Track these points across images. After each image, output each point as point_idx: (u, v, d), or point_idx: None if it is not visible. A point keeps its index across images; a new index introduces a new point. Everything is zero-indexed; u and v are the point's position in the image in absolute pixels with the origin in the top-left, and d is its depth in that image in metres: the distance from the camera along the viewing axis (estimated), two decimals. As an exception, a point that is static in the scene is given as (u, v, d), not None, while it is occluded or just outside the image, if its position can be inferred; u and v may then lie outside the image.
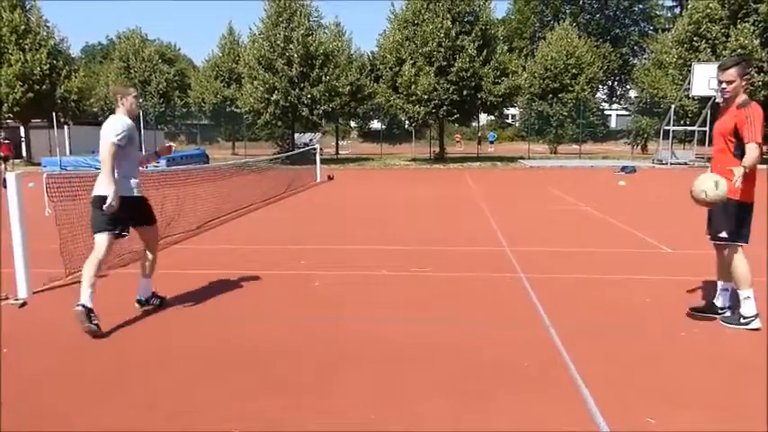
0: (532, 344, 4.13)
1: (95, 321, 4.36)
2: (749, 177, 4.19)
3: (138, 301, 5.06)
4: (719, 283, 4.62)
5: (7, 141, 22.93)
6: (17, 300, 5.22)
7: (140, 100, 5.26)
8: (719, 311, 4.56)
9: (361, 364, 3.81)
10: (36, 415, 3.15)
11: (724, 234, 4.34)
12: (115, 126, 4.63)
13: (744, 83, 4.29)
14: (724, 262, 4.47)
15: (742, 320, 4.32)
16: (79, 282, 4.56)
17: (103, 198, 4.54)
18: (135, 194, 4.81)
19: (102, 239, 4.61)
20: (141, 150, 5.30)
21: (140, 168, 5.12)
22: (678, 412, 3.10)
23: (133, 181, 4.80)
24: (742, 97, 4.29)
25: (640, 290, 5.48)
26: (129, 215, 4.76)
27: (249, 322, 4.70)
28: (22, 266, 5.35)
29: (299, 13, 28.77)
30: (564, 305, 5.05)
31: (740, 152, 4.22)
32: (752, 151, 4.11)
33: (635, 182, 18.15)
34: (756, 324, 4.28)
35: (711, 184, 4.17)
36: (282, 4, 28.77)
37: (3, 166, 21.44)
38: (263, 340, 4.28)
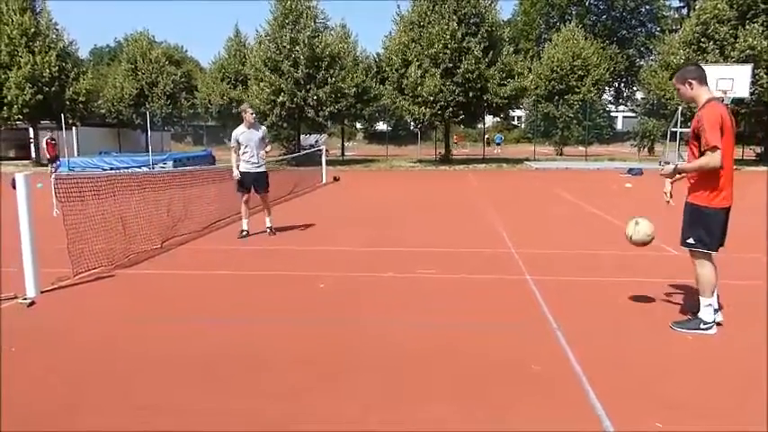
0: (539, 346, 4.12)
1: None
2: (712, 181, 4.15)
3: (269, 229, 8.85)
4: None
5: (53, 141, 22.23)
6: (25, 299, 5.25)
7: (254, 115, 8.66)
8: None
9: (367, 365, 3.82)
10: (41, 414, 3.17)
11: (691, 240, 4.32)
12: (233, 134, 8.61)
13: (690, 87, 4.28)
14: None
15: (702, 326, 4.29)
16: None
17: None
18: (252, 170, 8.51)
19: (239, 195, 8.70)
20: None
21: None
22: (686, 416, 3.09)
23: (251, 163, 8.51)
24: (702, 99, 4.27)
25: (647, 292, 5.45)
26: (251, 182, 8.57)
27: (254, 324, 4.71)
28: (30, 266, 5.38)
29: (305, 14, 28.80)
30: (570, 307, 5.04)
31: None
32: (705, 157, 4.08)
33: (641, 184, 18.07)
34: (713, 331, 4.28)
35: (631, 228, 4.77)
36: (289, 5, 28.82)
37: (50, 167, 20.84)
38: (267, 342, 4.28)
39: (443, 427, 3.00)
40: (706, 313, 4.29)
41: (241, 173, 8.51)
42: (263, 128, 8.84)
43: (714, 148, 4.03)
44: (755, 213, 10.27)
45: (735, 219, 4.32)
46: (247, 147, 8.52)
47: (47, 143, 21.50)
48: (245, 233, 8.68)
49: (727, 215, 4.28)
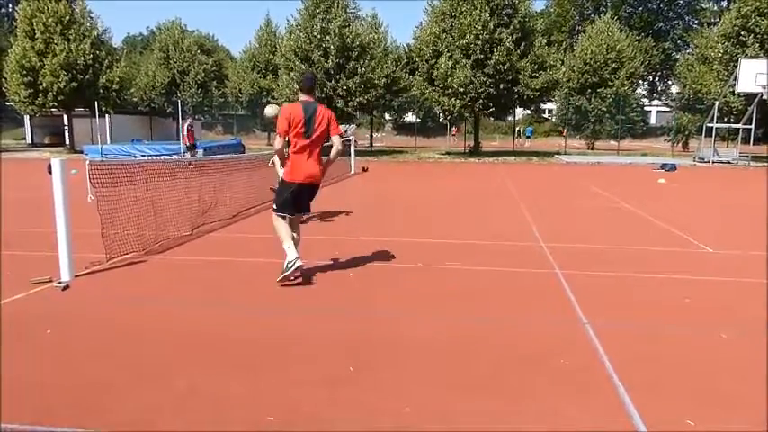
0: (568, 341, 4.06)
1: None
2: (288, 162, 5.55)
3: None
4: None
5: (192, 129, 21.50)
6: (60, 282, 5.37)
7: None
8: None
9: (395, 357, 3.81)
10: (74, 393, 3.24)
11: (275, 206, 5.58)
12: None
13: (297, 92, 5.67)
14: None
15: (288, 264, 5.32)
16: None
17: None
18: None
19: None
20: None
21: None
22: (718, 414, 3.01)
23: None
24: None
25: (680, 289, 5.34)
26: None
27: (285, 312, 4.74)
28: (65, 250, 5.49)
29: (336, 4, 28.82)
30: (601, 302, 4.96)
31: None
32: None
33: (675, 180, 17.70)
34: (298, 263, 5.32)
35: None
36: (320, -5, 28.86)
37: (189, 154, 20.59)
38: (298, 330, 4.30)
39: (473, 419, 2.98)
40: (289, 253, 5.34)
41: None
42: None
43: (278, 135, 5.45)
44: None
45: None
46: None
47: (187, 130, 20.91)
48: (311, 217, 8.95)
49: (300, 189, 5.48)
